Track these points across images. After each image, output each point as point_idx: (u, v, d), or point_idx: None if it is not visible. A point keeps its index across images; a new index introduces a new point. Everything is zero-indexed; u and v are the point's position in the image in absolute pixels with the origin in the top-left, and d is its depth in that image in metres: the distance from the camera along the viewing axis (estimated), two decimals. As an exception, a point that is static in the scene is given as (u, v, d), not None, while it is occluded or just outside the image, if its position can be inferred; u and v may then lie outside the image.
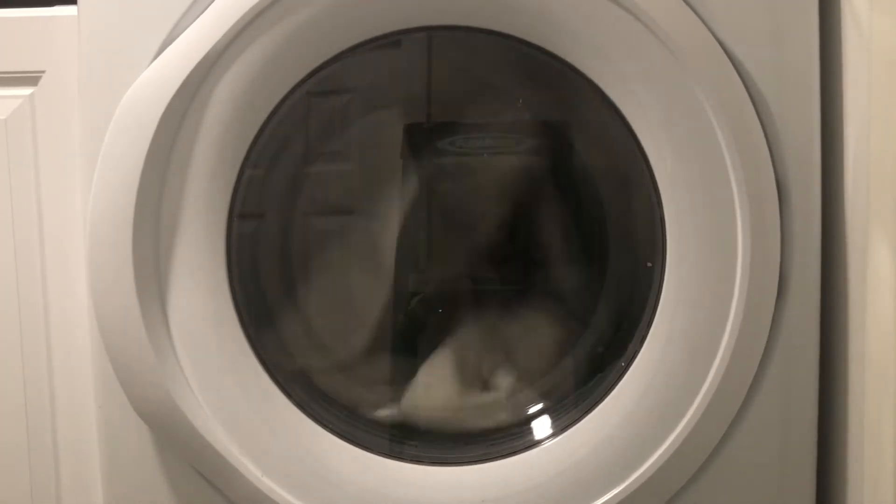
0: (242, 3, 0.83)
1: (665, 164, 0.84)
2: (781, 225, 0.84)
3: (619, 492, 0.85)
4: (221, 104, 0.84)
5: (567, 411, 0.91)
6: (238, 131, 0.85)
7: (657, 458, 0.85)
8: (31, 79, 0.96)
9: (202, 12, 0.84)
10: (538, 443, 0.89)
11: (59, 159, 0.96)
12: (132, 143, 0.83)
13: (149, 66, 0.84)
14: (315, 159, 1.00)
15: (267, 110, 0.86)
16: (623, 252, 0.97)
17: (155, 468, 0.91)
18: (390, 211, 0.99)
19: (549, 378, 0.98)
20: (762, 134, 0.83)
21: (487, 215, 1.01)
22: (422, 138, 0.99)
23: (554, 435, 0.89)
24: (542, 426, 0.92)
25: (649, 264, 0.88)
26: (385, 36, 0.86)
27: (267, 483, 0.86)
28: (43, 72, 0.95)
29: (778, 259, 0.84)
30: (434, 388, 0.97)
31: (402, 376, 1.00)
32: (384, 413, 0.97)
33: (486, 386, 0.99)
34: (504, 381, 0.99)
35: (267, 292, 0.97)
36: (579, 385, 0.94)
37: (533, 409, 0.95)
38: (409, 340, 1.02)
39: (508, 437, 0.92)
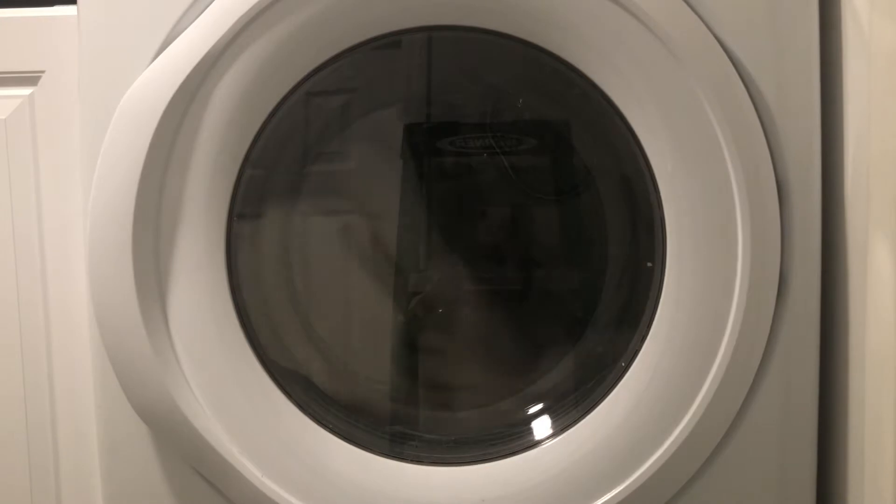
0: (242, 3, 0.83)
1: (665, 164, 0.84)
2: (781, 225, 0.83)
3: (619, 492, 0.85)
4: (221, 104, 0.84)
5: (567, 411, 0.91)
6: (238, 131, 0.85)
7: (657, 458, 0.84)
8: (30, 79, 0.96)
9: (202, 12, 0.84)
10: (538, 443, 0.89)
11: (59, 159, 0.96)
12: (132, 143, 0.83)
13: (149, 66, 0.85)
14: (315, 159, 0.99)
15: (267, 110, 0.86)
16: (623, 252, 0.96)
17: (154, 468, 0.91)
18: (390, 211, 0.99)
19: (549, 378, 0.98)
20: (762, 133, 0.83)
21: (487, 215, 1.01)
22: (422, 138, 0.99)
23: (554, 435, 0.89)
24: (542, 426, 0.92)
25: (649, 264, 0.88)
26: (385, 36, 0.86)
27: (267, 483, 0.86)
28: (43, 72, 0.95)
29: (778, 259, 0.83)
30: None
31: (402, 376, 0.99)
32: (384, 413, 0.97)
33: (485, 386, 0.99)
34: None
35: (267, 292, 0.97)
36: (579, 385, 0.94)
37: (533, 409, 0.95)
38: (409, 340, 1.02)
39: (508, 438, 0.92)
